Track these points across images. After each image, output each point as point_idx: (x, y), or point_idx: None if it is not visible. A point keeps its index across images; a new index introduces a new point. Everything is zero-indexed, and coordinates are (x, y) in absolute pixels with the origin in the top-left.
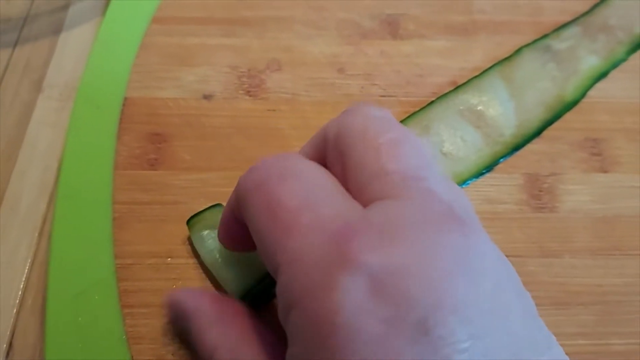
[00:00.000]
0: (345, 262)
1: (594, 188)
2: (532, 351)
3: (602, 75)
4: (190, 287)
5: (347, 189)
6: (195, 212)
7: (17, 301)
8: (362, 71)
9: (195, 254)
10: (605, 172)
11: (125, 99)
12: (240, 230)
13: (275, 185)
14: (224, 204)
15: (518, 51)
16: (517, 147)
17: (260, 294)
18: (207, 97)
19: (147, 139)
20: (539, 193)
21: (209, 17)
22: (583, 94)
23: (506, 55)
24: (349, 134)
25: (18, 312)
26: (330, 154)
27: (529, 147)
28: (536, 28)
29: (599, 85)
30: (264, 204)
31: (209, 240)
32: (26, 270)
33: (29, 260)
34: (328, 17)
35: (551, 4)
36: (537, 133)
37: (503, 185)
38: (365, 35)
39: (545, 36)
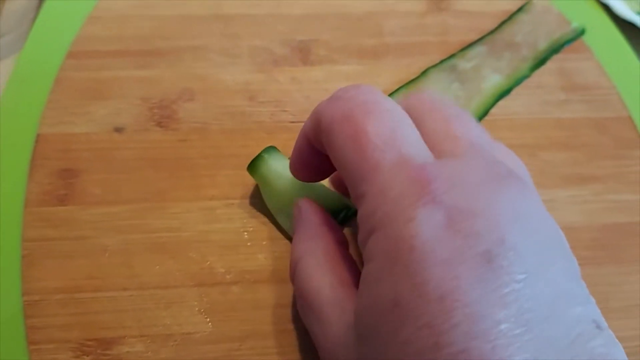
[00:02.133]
0: (426, 199)
1: None
2: (569, 301)
3: (506, 92)
4: None
5: None
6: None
7: None
8: (273, 98)
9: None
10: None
11: (38, 135)
12: (314, 158)
13: (362, 118)
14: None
15: (424, 72)
16: None
17: None
18: (118, 130)
19: (57, 175)
20: None
21: (123, 49)
22: (486, 112)
23: (413, 77)
24: (421, 108)
25: None
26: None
27: None
28: (444, 48)
29: (501, 102)
30: (351, 135)
31: (276, 180)
32: None
33: None
34: (242, 44)
35: (459, 22)
36: None
37: None
38: (277, 62)
39: (452, 56)
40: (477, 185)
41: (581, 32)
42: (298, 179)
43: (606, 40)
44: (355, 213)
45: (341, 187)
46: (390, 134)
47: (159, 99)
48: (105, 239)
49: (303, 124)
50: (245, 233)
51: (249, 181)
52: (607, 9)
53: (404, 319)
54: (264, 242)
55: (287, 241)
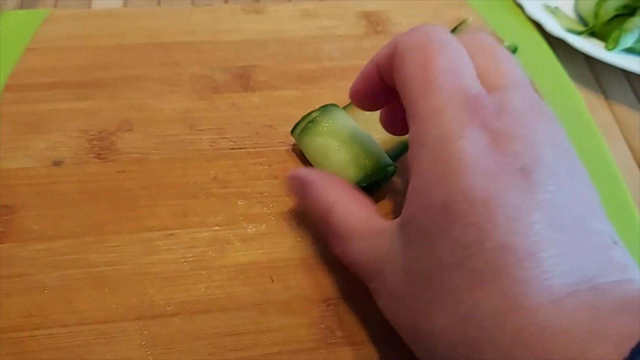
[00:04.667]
0: (475, 122)
1: None
2: (592, 217)
3: None
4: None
5: None
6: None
7: None
8: (213, 125)
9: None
10: None
11: None
12: (376, 86)
13: (435, 49)
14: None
15: None
16: None
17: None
18: (57, 163)
19: None
20: None
21: (61, 81)
22: None
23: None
24: (475, 45)
25: None
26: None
27: None
28: None
29: None
30: (421, 62)
31: (318, 136)
32: None
33: None
34: (181, 72)
35: None
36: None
37: None
38: (217, 89)
39: None
40: (519, 115)
41: (513, 51)
42: (354, 104)
43: (537, 57)
44: (390, 177)
45: (390, 125)
46: (454, 66)
47: (98, 130)
48: (44, 276)
49: (243, 150)
50: (186, 263)
51: (189, 210)
52: (539, 26)
53: (452, 219)
54: (204, 272)
55: (228, 269)
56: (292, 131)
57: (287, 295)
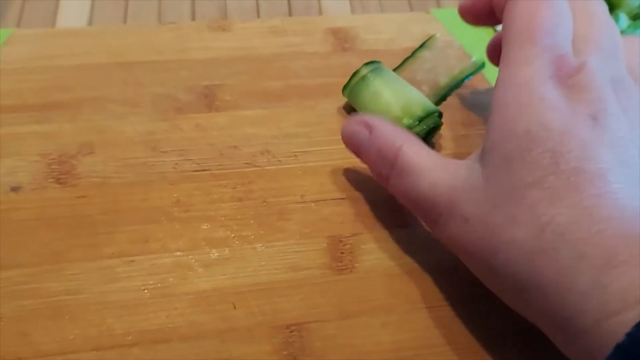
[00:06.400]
0: (558, 77)
1: (394, 244)
2: None
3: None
4: None
5: None
6: None
7: None
8: (177, 147)
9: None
10: (406, 227)
11: None
12: (483, 9)
13: (545, 5)
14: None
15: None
16: None
17: None
18: (15, 189)
19: None
20: (341, 255)
21: (21, 104)
22: None
23: (317, 119)
24: (580, 8)
25: None
26: None
27: (333, 209)
28: None
29: None
30: (530, 12)
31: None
32: None
33: None
34: (144, 93)
35: (361, 63)
36: None
37: (307, 250)
38: (180, 109)
39: None
40: (594, 77)
41: (481, 66)
42: (462, 17)
43: None
44: (438, 127)
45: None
46: (554, 24)
47: (58, 154)
48: None
49: (206, 172)
50: (146, 291)
51: (150, 235)
52: None
53: (532, 144)
54: (165, 300)
55: (189, 297)
56: (344, 89)
57: (250, 322)
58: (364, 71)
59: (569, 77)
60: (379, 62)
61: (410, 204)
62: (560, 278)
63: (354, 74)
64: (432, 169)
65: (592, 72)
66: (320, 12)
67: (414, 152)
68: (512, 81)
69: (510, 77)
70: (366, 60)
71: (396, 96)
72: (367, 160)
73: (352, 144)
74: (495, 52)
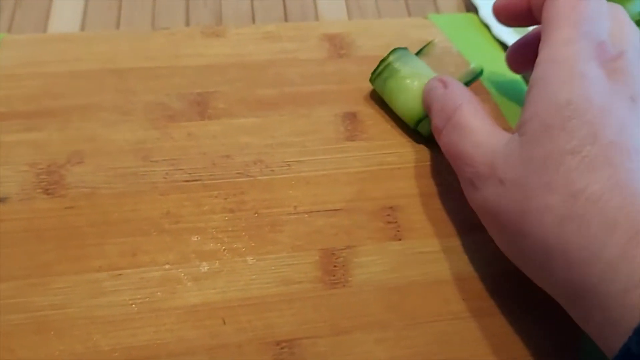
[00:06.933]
0: (599, 60)
1: (388, 257)
2: None
3: None
4: None
5: None
6: None
7: None
8: (168, 156)
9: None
10: (400, 239)
11: None
12: (519, 8)
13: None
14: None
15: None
16: None
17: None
18: (2, 200)
19: None
20: (334, 268)
21: (10, 111)
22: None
23: (311, 127)
24: (612, 11)
25: None
26: None
27: (326, 220)
28: (342, 96)
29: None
30: (574, 5)
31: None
32: None
33: None
34: (136, 100)
35: (358, 69)
36: None
37: (300, 263)
38: (172, 118)
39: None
40: (632, 62)
41: (479, 73)
42: (495, 17)
43: (504, 78)
44: None
45: (514, 62)
46: (596, 15)
47: (47, 164)
48: None
49: (197, 182)
50: (134, 305)
51: (139, 248)
52: (506, 47)
53: (573, 113)
54: (153, 315)
55: (178, 312)
56: (371, 79)
57: (240, 338)
58: (390, 59)
59: (609, 62)
60: (405, 48)
61: (453, 159)
62: (589, 245)
63: (381, 62)
64: (479, 131)
65: (631, 60)
66: (316, 16)
67: (470, 112)
68: (554, 59)
69: (551, 55)
70: (362, 67)
71: (422, 81)
72: (433, 114)
73: (429, 98)
74: (515, 56)
